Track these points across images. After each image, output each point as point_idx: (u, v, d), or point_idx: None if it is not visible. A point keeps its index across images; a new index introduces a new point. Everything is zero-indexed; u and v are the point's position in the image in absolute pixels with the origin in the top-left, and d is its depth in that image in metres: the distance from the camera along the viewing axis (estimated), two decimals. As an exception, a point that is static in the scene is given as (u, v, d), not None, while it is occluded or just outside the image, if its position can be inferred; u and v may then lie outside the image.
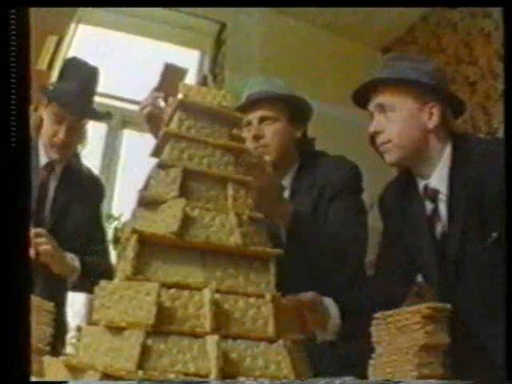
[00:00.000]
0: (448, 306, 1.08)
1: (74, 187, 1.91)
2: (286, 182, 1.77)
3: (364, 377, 1.11)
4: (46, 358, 1.12)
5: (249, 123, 1.77)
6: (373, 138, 1.52)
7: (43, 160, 1.85)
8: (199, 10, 3.17)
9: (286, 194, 1.75)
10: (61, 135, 1.81)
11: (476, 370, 1.27)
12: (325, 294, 1.50)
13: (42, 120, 1.87)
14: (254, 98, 1.78)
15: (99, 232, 2.03)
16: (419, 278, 1.58)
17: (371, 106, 1.50)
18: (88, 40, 3.18)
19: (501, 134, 2.50)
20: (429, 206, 1.45)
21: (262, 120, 1.76)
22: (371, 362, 1.12)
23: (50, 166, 1.86)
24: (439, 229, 1.44)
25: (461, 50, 3.37)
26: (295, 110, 1.80)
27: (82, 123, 1.89)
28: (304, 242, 1.53)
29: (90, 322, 1.05)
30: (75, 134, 1.87)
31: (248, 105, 1.78)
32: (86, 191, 1.97)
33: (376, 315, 1.13)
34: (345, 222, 1.64)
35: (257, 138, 1.73)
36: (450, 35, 3.41)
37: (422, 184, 1.47)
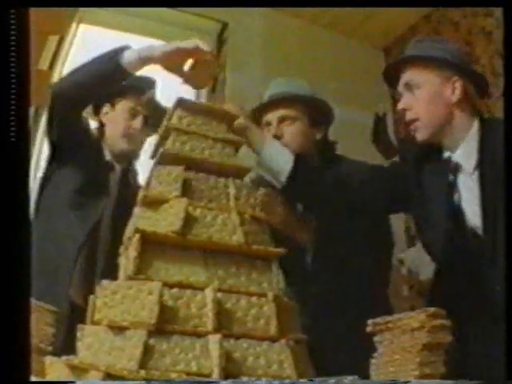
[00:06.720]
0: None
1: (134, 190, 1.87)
2: None
3: (365, 376, 1.10)
4: (48, 358, 1.12)
5: (268, 123, 1.76)
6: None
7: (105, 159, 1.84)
8: (201, 10, 3.16)
9: None
10: (137, 125, 1.84)
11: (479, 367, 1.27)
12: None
13: (103, 125, 1.87)
14: (274, 98, 1.78)
15: None
16: (423, 277, 1.58)
17: (400, 87, 1.57)
18: (89, 40, 3.17)
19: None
20: (450, 176, 1.48)
21: (281, 120, 1.75)
22: (373, 361, 1.11)
23: (110, 164, 1.84)
24: (456, 198, 1.46)
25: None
26: (316, 112, 1.80)
27: (151, 121, 1.88)
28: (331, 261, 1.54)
29: (92, 321, 1.05)
30: (145, 129, 1.88)
31: (269, 105, 1.78)
32: None
33: (377, 320, 1.12)
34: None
35: (276, 138, 1.72)
36: (451, 34, 3.40)
37: (446, 154, 1.50)
